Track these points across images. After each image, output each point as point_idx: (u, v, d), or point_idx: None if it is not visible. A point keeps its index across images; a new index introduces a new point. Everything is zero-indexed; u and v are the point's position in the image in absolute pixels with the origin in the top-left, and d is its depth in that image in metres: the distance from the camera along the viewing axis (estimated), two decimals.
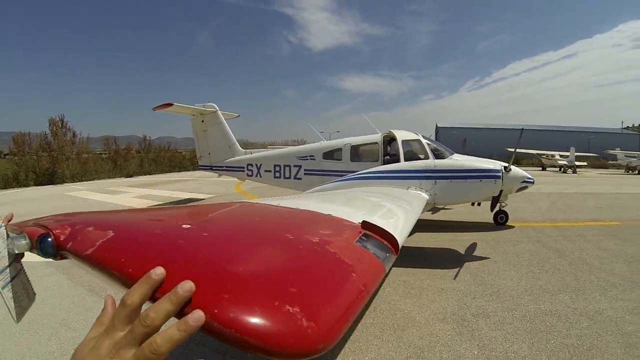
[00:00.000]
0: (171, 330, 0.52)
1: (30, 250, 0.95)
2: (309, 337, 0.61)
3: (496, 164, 7.31)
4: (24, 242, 0.92)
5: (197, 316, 0.53)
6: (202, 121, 9.79)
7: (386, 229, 1.55)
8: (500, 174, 7.08)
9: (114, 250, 0.83)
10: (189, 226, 1.13)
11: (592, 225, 8.89)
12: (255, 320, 0.59)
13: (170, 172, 21.87)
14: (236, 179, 17.91)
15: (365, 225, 1.54)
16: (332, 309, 0.72)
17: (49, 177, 15.26)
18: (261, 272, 0.75)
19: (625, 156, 37.14)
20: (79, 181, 16.21)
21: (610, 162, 42.96)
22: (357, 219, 1.63)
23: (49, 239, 0.97)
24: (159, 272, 0.60)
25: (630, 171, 34.56)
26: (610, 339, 3.66)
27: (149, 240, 0.91)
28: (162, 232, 1.06)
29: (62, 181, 15.49)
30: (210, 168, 9.99)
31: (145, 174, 19.60)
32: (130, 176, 18.43)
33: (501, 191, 7.19)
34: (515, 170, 7.61)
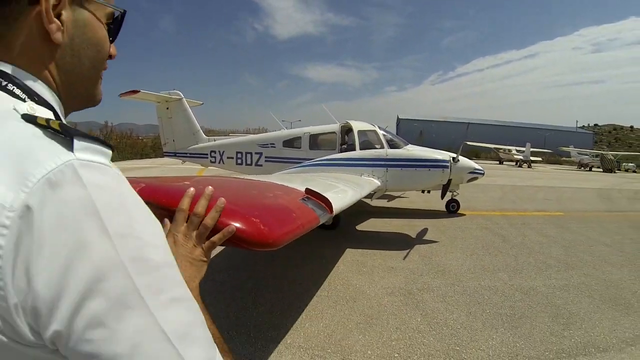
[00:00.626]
0: (215, 237, 0.90)
1: None
2: (265, 236, 1.14)
3: (445, 155, 7.74)
4: None
5: (231, 229, 0.94)
6: (167, 108, 9.65)
7: (325, 196, 2.22)
8: (448, 164, 7.56)
9: (146, 190, 1.21)
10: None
11: (538, 215, 9.55)
12: (244, 227, 1.03)
13: (132, 159, 21.27)
14: (199, 166, 17.73)
15: (308, 191, 2.15)
16: (279, 227, 1.31)
17: None
18: (243, 205, 1.27)
19: (578, 153, 39.71)
20: None
21: (564, 158, 45.72)
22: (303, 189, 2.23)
23: None
24: (209, 191, 0.91)
25: (582, 167, 36.99)
26: (539, 310, 4.02)
27: (173, 186, 1.31)
28: (179, 184, 1.46)
29: None
30: (175, 154, 9.86)
31: None
32: None
33: (450, 180, 7.63)
34: (463, 161, 8.10)
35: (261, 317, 3.60)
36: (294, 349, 3.09)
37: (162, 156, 23.34)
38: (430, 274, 4.93)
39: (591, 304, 4.23)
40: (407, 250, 5.84)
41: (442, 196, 8.07)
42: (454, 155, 7.88)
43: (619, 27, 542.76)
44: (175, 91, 9.71)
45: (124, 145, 21.19)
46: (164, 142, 9.92)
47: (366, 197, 8.71)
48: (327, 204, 2.19)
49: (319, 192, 2.23)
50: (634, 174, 34.99)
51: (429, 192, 8.61)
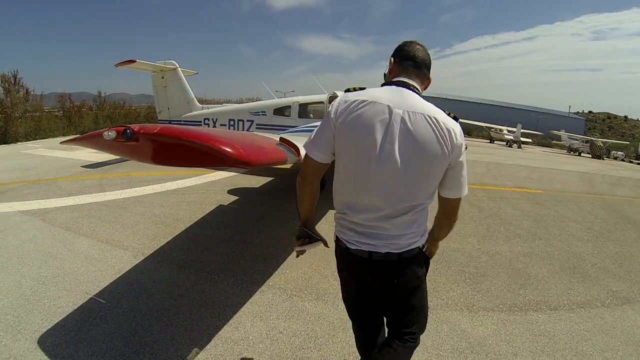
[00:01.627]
0: None
1: (115, 138, 2.26)
2: (242, 156, 2.19)
3: None
4: (112, 134, 2.25)
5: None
6: (162, 77, 9.85)
7: (294, 143, 3.16)
8: None
9: (166, 128, 2.14)
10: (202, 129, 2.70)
11: (517, 191, 9.92)
12: (230, 150, 2.11)
13: None
14: None
15: (282, 139, 3.08)
16: (254, 154, 2.37)
17: (1, 137, 14.40)
18: (231, 139, 2.18)
19: (569, 138, 40.05)
20: (33, 139, 15.47)
21: (554, 141, 46.06)
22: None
23: (128, 130, 2.22)
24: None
25: (571, 152, 37.37)
26: (500, 271, 4.40)
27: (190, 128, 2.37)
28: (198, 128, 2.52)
29: (15, 140, 14.71)
30: (169, 122, 10.07)
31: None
32: (85, 133, 17.65)
33: None
34: None
35: (247, 264, 4.00)
36: (274, 290, 3.51)
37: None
38: None
39: (550, 270, 4.58)
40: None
41: None
42: None
43: (621, 17, 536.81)
44: (170, 61, 9.86)
45: (117, 115, 21.12)
46: (159, 110, 10.12)
47: None
48: (296, 149, 3.16)
49: (290, 140, 3.21)
50: (622, 162, 35.50)
51: None
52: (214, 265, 3.92)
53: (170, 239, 4.63)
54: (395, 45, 1.68)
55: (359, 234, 1.59)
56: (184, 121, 9.86)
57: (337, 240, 1.72)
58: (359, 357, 1.94)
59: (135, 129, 2.21)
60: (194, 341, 2.70)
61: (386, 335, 1.81)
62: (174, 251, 4.26)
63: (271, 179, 8.74)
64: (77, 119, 18.76)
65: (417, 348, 1.77)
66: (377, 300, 1.71)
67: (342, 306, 1.95)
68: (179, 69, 9.88)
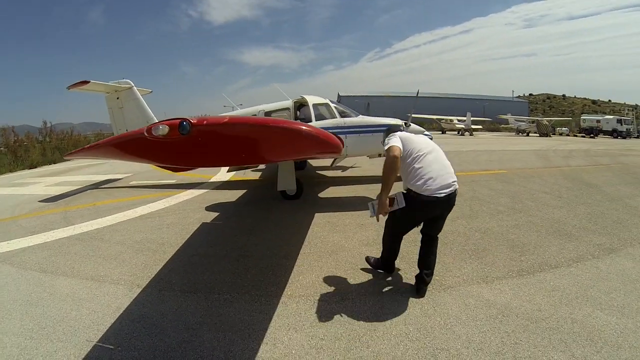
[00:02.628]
0: None
1: (168, 133, 1.94)
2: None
3: (397, 121, 8.28)
4: (163, 129, 1.95)
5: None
6: (118, 98, 9.22)
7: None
8: (402, 129, 8.07)
9: (240, 117, 2.39)
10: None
11: (484, 173, 10.48)
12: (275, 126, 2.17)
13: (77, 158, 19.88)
14: None
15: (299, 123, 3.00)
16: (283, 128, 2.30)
17: None
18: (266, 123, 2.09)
19: (516, 120, 42.96)
20: None
21: (502, 125, 49.18)
22: None
23: (185, 123, 1.89)
24: None
25: (520, 133, 40.07)
26: (497, 244, 4.64)
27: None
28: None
29: None
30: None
31: (49, 163, 17.34)
32: (34, 167, 16.16)
33: None
34: (414, 126, 8.79)
35: (255, 278, 3.78)
36: (296, 298, 3.33)
37: None
38: None
39: (539, 236, 4.94)
40: (369, 210, 6.25)
41: None
42: (405, 121, 8.43)
43: (549, 4, 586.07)
44: (125, 80, 9.31)
45: (66, 145, 19.62)
46: (116, 133, 9.51)
47: (329, 164, 9.07)
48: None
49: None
50: (567, 137, 38.65)
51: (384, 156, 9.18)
52: (221, 285, 3.65)
53: (162, 264, 4.26)
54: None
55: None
56: None
57: (418, 195, 3.04)
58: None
59: (195, 121, 1.89)
60: None
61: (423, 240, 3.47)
62: (172, 277, 3.90)
63: (244, 190, 8.52)
64: (22, 153, 17.19)
65: (458, 324, 2.84)
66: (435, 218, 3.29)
67: (371, 300, 3.21)
68: (135, 87, 9.34)
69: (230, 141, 2.03)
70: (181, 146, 2.06)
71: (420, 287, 3.28)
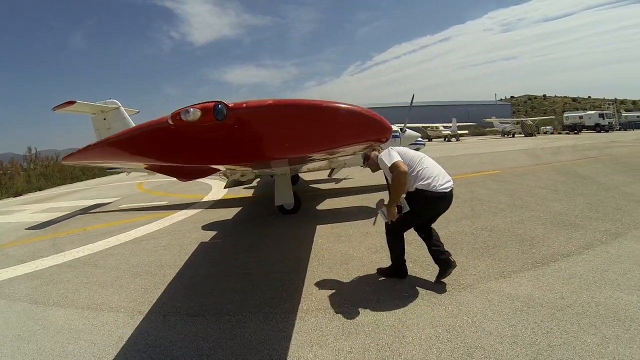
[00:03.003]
0: None
1: (200, 118, 1.56)
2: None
3: (394, 126, 8.26)
4: (195, 113, 1.55)
5: None
6: (105, 119, 9.00)
7: None
8: (398, 134, 8.15)
9: (285, 99, 1.48)
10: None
11: (479, 175, 10.54)
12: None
13: (63, 184, 19.40)
14: (138, 180, 16.65)
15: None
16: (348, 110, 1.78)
17: None
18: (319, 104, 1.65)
19: (500, 123, 43.83)
20: None
21: (487, 129, 50.08)
22: None
23: (220, 106, 1.55)
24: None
25: (505, 135, 40.82)
26: (506, 240, 4.59)
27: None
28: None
29: None
30: (119, 167, 9.25)
31: (35, 190, 16.83)
32: (19, 194, 15.65)
33: None
34: (409, 131, 8.85)
35: (266, 295, 3.56)
36: (314, 312, 3.14)
37: (93, 177, 21.76)
38: None
39: (545, 229, 4.93)
40: (374, 218, 6.09)
41: None
42: (402, 125, 8.44)
43: (525, 8, 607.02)
44: (112, 100, 9.12)
45: (51, 172, 19.15)
46: None
47: (328, 174, 8.94)
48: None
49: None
50: (552, 135, 39.58)
51: None
52: (231, 305, 3.41)
53: (164, 288, 4.00)
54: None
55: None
56: None
57: (428, 192, 3.29)
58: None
59: (232, 105, 1.57)
60: None
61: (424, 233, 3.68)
62: (176, 301, 3.64)
63: (240, 208, 8.31)
64: (7, 180, 16.69)
65: (486, 321, 2.77)
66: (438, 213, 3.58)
67: (393, 306, 3.12)
68: (122, 107, 9.16)
69: (273, 128, 1.72)
70: (213, 136, 1.71)
71: (446, 269, 3.45)
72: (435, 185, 3.26)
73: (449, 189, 3.34)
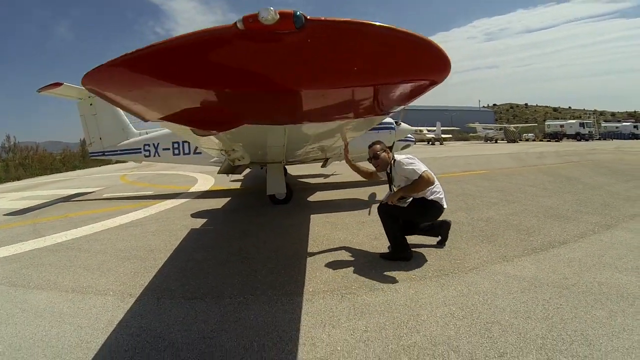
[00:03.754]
0: None
1: (277, 23, 1.31)
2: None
3: (390, 119, 8.24)
4: (271, 14, 1.28)
5: None
6: (91, 104, 8.63)
7: None
8: (394, 126, 8.12)
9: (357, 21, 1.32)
10: None
11: (467, 174, 10.70)
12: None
13: (42, 175, 18.66)
14: (120, 172, 16.18)
15: None
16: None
17: None
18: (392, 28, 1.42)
19: (484, 128, 44.72)
20: None
21: (471, 134, 50.99)
22: None
23: (299, 13, 1.34)
24: None
25: (488, 141, 41.68)
26: (503, 229, 4.67)
27: None
28: None
29: None
30: (103, 154, 8.84)
31: (13, 179, 16.13)
32: None
33: (393, 144, 8.15)
34: (404, 125, 8.80)
35: (267, 279, 3.42)
36: (321, 294, 3.03)
37: (73, 169, 21.05)
38: None
39: (539, 220, 5.04)
40: (368, 209, 6.13)
41: None
42: (396, 120, 8.44)
43: (509, 18, 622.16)
44: None
45: (30, 161, 18.45)
46: (89, 142, 8.88)
47: (322, 165, 8.85)
48: None
49: None
50: (534, 142, 40.72)
51: None
52: (231, 288, 3.25)
53: (155, 272, 3.79)
54: None
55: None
56: (121, 150, 8.76)
57: (436, 202, 3.76)
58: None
59: (309, 17, 1.34)
60: None
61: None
62: (169, 284, 3.44)
63: (228, 199, 8.14)
64: None
65: (497, 299, 2.79)
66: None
67: (402, 287, 3.08)
68: None
69: (347, 48, 1.50)
70: (285, 48, 1.44)
71: (445, 231, 4.06)
72: (443, 200, 3.78)
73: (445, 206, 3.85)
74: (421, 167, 3.61)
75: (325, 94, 1.76)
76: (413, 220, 3.95)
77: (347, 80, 1.62)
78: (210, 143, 3.97)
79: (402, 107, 2.17)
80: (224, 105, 1.79)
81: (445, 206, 3.79)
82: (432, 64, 1.62)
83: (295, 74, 1.52)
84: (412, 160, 3.72)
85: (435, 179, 3.68)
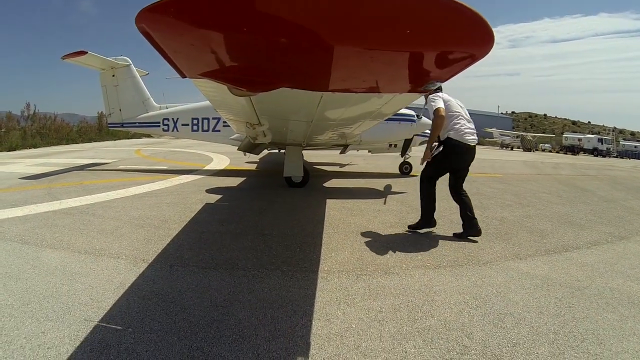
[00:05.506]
0: None
1: None
2: None
3: (411, 112, 8.18)
4: None
5: None
6: (113, 75, 8.76)
7: None
8: (415, 119, 8.07)
9: None
10: None
11: (481, 176, 10.57)
12: None
13: (58, 144, 18.95)
14: (135, 147, 16.36)
15: None
16: None
17: None
18: None
19: (500, 134, 44.03)
20: None
21: (486, 139, 50.25)
22: None
23: None
24: None
25: (504, 147, 41.07)
26: (517, 230, 4.66)
27: None
28: None
29: None
30: (122, 125, 8.96)
31: (30, 147, 16.42)
32: (14, 149, 15.26)
33: (413, 137, 8.10)
34: (424, 119, 8.69)
35: (282, 255, 3.46)
36: (336, 273, 3.06)
37: (89, 141, 21.35)
38: (415, 213, 5.21)
39: (553, 225, 5.01)
40: (384, 198, 6.15)
41: (402, 153, 8.55)
42: (418, 113, 8.39)
43: (534, 26, 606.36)
44: (122, 57, 8.85)
45: (47, 130, 18.72)
46: (109, 113, 8.99)
47: (340, 152, 8.84)
48: None
49: None
50: (550, 152, 40.13)
51: (395, 146, 8.98)
52: (245, 261, 3.28)
53: (169, 240, 3.85)
54: None
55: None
56: (139, 123, 8.85)
57: (455, 141, 3.94)
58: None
59: None
60: (290, 350, 2.04)
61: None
62: (183, 252, 3.49)
63: (243, 178, 8.17)
64: (2, 135, 16.32)
65: (510, 292, 2.81)
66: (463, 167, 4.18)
67: (417, 274, 3.10)
68: (133, 66, 8.90)
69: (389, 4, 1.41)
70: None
71: (470, 233, 4.11)
72: (461, 137, 3.91)
73: (473, 144, 4.01)
74: (437, 104, 3.87)
75: (363, 54, 1.71)
76: (446, 169, 4.18)
77: (384, 41, 1.58)
78: (239, 112, 3.97)
79: (439, 83, 2.14)
80: (269, 59, 1.79)
81: (469, 143, 3.95)
82: (474, 35, 1.56)
83: (339, 27, 1.48)
84: (436, 98, 3.94)
85: (456, 117, 3.95)
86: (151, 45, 1.65)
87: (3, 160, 11.13)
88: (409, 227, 4.36)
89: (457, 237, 4.11)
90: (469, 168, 4.29)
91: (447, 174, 4.28)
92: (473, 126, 4.10)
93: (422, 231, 4.35)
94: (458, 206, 4.20)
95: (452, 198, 4.29)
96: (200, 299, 2.56)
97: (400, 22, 1.45)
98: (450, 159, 4.02)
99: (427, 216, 4.28)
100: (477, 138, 4.08)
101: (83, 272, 3.00)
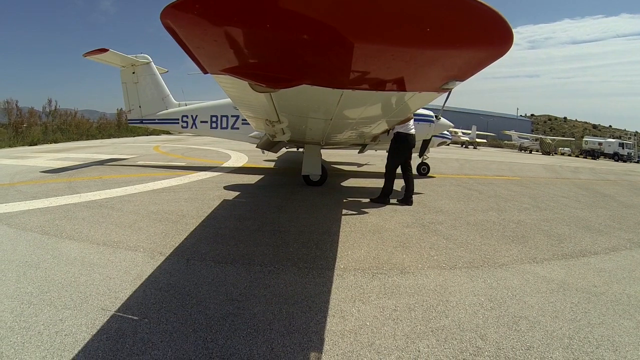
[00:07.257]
0: None
1: None
2: None
3: (430, 112, 8.12)
4: None
5: None
6: (134, 72, 9.02)
7: None
8: (434, 119, 8.00)
9: None
10: None
11: (499, 178, 10.42)
12: None
13: (78, 140, 19.50)
14: (154, 144, 16.66)
15: None
16: None
17: None
18: None
19: (519, 137, 43.21)
20: None
21: (505, 142, 49.25)
22: None
23: None
24: None
25: (522, 150, 40.26)
26: (534, 233, 4.60)
27: None
28: None
29: None
30: (141, 121, 9.20)
31: (51, 142, 16.95)
32: (35, 144, 15.78)
33: (431, 138, 8.03)
34: (443, 119, 8.64)
35: (299, 252, 3.51)
36: (352, 272, 3.10)
37: (109, 137, 21.87)
38: (432, 213, 5.25)
39: (571, 229, 4.92)
40: (400, 199, 6.10)
41: (420, 154, 8.48)
42: (436, 114, 8.32)
43: (554, 27, 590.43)
44: (143, 55, 9.05)
45: (67, 125, 19.25)
46: (129, 109, 9.20)
47: (359, 151, 8.83)
48: None
49: None
50: (569, 156, 39.17)
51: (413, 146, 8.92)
52: (262, 257, 3.34)
53: (187, 235, 3.93)
54: None
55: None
56: (159, 119, 9.04)
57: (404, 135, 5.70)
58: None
59: None
60: (304, 345, 2.08)
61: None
62: (200, 247, 3.57)
63: (261, 176, 8.26)
64: (24, 129, 16.90)
65: (526, 295, 2.80)
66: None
67: (432, 274, 3.12)
68: (153, 63, 9.09)
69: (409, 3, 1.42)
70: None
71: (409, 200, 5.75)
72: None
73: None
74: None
75: (383, 52, 1.72)
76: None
77: (404, 39, 1.58)
78: (259, 110, 4.01)
79: (458, 82, 2.10)
80: (291, 56, 1.81)
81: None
82: (493, 34, 1.55)
83: (359, 25, 1.49)
84: None
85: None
86: (175, 41, 1.69)
87: (25, 154, 11.52)
88: (370, 200, 5.91)
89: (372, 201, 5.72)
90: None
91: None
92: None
93: (440, 231, 4.39)
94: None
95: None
96: (216, 293, 2.61)
97: (420, 20, 1.46)
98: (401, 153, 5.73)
99: (387, 195, 5.87)
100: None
101: (101, 263, 3.09)
